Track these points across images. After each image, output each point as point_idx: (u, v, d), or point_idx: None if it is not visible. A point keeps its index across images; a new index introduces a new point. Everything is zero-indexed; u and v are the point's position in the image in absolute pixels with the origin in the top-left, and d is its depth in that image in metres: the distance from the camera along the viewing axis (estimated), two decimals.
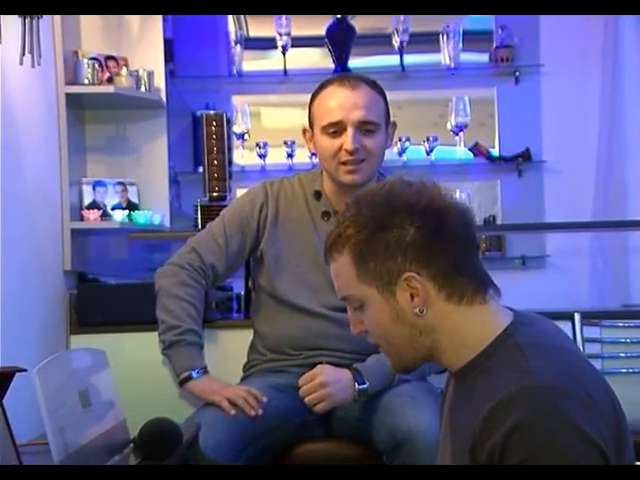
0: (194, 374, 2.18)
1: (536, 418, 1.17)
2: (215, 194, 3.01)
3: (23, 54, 2.16)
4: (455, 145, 3.94)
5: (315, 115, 2.25)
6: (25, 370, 1.42)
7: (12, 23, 2.20)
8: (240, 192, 2.52)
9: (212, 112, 3.15)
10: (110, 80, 3.04)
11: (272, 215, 2.31)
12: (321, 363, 2.23)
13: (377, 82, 2.28)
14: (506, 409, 1.19)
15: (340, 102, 2.20)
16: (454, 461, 1.31)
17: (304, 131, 2.31)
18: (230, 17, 3.98)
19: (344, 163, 2.21)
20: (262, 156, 3.89)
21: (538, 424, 1.17)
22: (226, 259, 2.30)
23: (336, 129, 2.20)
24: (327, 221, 2.29)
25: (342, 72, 2.31)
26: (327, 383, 2.12)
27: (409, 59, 3.93)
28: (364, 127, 2.20)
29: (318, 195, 2.31)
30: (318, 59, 4.00)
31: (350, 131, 2.18)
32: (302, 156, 3.83)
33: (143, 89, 3.06)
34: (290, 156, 3.87)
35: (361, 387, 2.14)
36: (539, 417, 1.17)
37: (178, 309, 2.23)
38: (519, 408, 1.18)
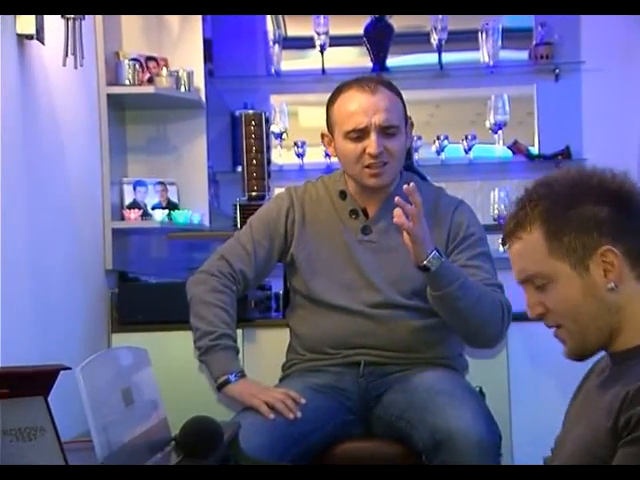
0: (232, 378, 2.19)
1: None
2: (254, 193, 3.02)
3: (66, 55, 2.19)
4: (494, 143, 3.90)
5: (336, 120, 2.25)
6: (69, 368, 1.43)
7: (55, 25, 2.23)
8: (278, 191, 2.54)
9: (251, 112, 3.17)
10: (150, 80, 3.06)
11: (299, 218, 2.32)
12: (360, 362, 2.23)
13: (393, 84, 2.29)
14: None
15: (362, 107, 2.20)
16: (588, 429, 1.31)
17: (323, 136, 2.32)
18: (268, 17, 3.99)
19: (368, 167, 2.21)
20: (300, 155, 3.89)
21: None
22: (255, 265, 2.31)
23: (359, 134, 2.21)
24: (355, 219, 2.30)
25: (363, 74, 2.31)
26: (421, 228, 2.02)
27: (447, 57, 3.90)
28: (386, 131, 2.21)
29: (343, 195, 2.32)
30: (356, 58, 3.99)
31: (373, 136, 2.19)
32: None
33: (183, 89, 3.09)
34: (328, 155, 3.87)
35: (435, 255, 2.05)
36: None
37: (211, 315, 2.24)
38: None
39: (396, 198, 2.05)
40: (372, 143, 2.19)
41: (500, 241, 1.44)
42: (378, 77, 2.31)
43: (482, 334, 2.19)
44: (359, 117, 2.20)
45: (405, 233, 2.04)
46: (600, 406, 1.32)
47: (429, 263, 2.06)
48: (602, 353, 1.42)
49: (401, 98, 2.27)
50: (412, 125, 2.32)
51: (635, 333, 1.33)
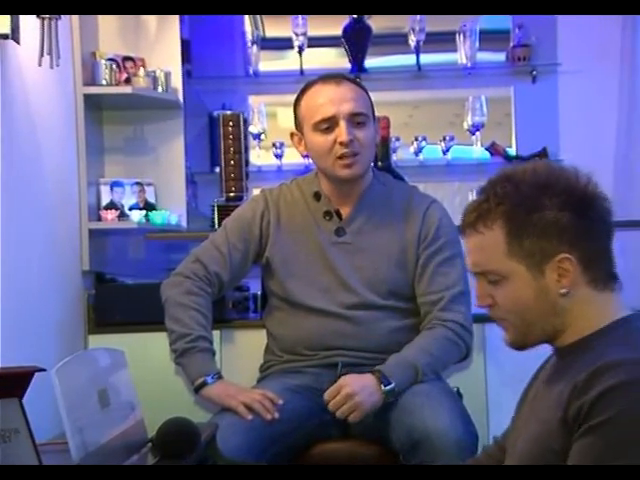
0: (209, 380, 2.18)
1: (634, 386, 1.20)
2: (232, 194, 3.01)
3: (42, 55, 2.18)
4: (472, 145, 3.92)
5: (304, 115, 2.26)
6: (44, 370, 1.42)
7: (31, 24, 2.21)
8: (257, 192, 2.54)
9: (229, 112, 3.16)
10: (128, 81, 3.05)
11: (274, 221, 2.32)
12: (337, 363, 2.23)
13: (359, 81, 2.32)
14: (607, 372, 1.22)
15: (329, 97, 2.22)
16: (539, 424, 1.32)
17: (292, 135, 2.32)
18: (246, 17, 3.98)
19: (340, 157, 2.22)
20: (279, 156, 3.89)
21: (634, 392, 1.19)
22: (230, 267, 2.31)
23: (328, 125, 2.21)
24: (329, 220, 2.30)
25: (325, 73, 2.33)
26: (354, 393, 2.09)
27: (425, 58, 3.91)
28: (355, 119, 2.22)
29: (317, 196, 2.32)
30: (334, 59, 3.99)
31: (343, 124, 2.20)
32: None
33: (160, 90, 3.08)
34: (307, 156, 3.87)
35: (387, 388, 2.12)
36: (637, 386, 1.19)
37: (187, 318, 2.23)
38: (619, 373, 1.21)
39: (325, 398, 2.11)
40: (342, 131, 2.20)
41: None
42: (343, 74, 2.33)
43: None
44: (326, 107, 2.21)
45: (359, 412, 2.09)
46: (549, 401, 1.33)
47: (389, 396, 2.12)
48: (548, 348, 1.43)
49: (367, 94, 2.29)
50: (387, 121, 2.33)
51: (577, 330, 1.35)
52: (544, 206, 1.33)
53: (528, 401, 1.45)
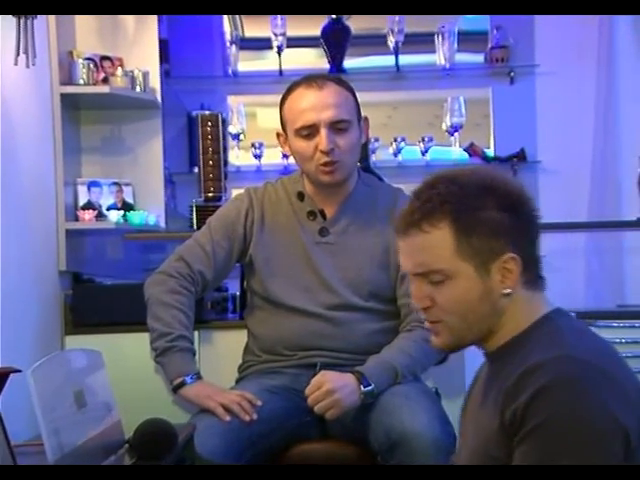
0: (188, 380, 2.18)
1: (562, 385, 1.21)
2: (210, 194, 3.01)
3: (18, 54, 2.16)
4: (450, 145, 3.93)
5: (287, 119, 2.26)
6: (20, 371, 1.42)
7: (6, 23, 2.20)
8: (236, 192, 2.53)
9: (207, 112, 3.15)
10: (105, 80, 3.03)
11: (258, 220, 2.32)
12: (316, 364, 2.23)
13: (343, 79, 2.31)
14: (535, 372, 1.23)
15: (311, 104, 2.21)
16: (480, 432, 1.33)
17: (278, 135, 2.32)
18: (225, 17, 3.97)
19: (322, 165, 2.21)
20: (258, 156, 3.89)
21: (563, 391, 1.20)
22: (214, 266, 2.30)
23: (310, 131, 2.21)
24: (313, 220, 2.30)
25: (310, 73, 2.32)
26: (335, 389, 2.09)
27: (404, 59, 3.92)
28: (337, 126, 2.21)
29: (301, 196, 2.32)
30: (313, 59, 3.99)
31: (323, 132, 2.19)
32: None
33: (138, 89, 3.06)
34: (286, 156, 3.87)
35: (367, 389, 2.12)
36: (565, 384, 1.21)
37: (168, 316, 2.22)
38: (548, 373, 1.22)
39: (306, 392, 2.11)
40: (322, 139, 2.19)
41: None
42: (328, 74, 2.32)
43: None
44: (308, 114, 2.21)
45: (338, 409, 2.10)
46: (486, 409, 1.34)
47: (368, 397, 2.12)
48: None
49: (352, 93, 2.27)
50: (367, 121, 2.32)
51: (507, 331, 1.36)
52: (488, 206, 1.33)
53: (468, 410, 1.45)
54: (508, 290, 1.34)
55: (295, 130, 2.23)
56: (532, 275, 1.37)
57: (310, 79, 2.26)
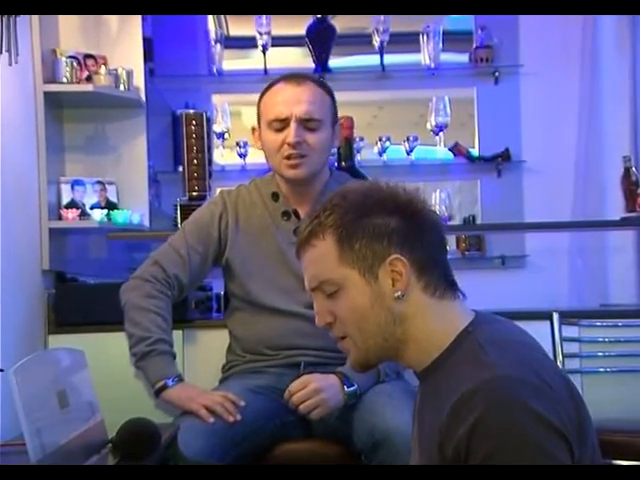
0: (169, 382, 2.17)
1: (495, 409, 1.20)
2: (195, 193, 3.00)
3: (0, 52, 2.15)
4: (435, 145, 3.94)
5: (262, 111, 2.28)
6: (2, 370, 1.41)
7: None
8: (212, 198, 2.54)
9: (192, 111, 3.14)
10: (89, 79, 3.02)
11: (233, 222, 2.32)
12: (300, 363, 2.23)
13: (324, 81, 2.33)
14: (467, 404, 1.21)
15: (285, 97, 2.23)
16: (422, 460, 1.33)
17: (253, 130, 2.34)
18: (210, 16, 3.97)
19: (287, 158, 2.23)
20: (242, 155, 3.89)
21: (498, 415, 1.19)
22: (189, 269, 2.30)
23: (280, 125, 2.23)
24: (287, 220, 2.31)
25: (292, 72, 2.33)
26: (321, 389, 2.10)
27: (389, 59, 3.93)
28: (307, 124, 2.23)
29: (275, 196, 2.33)
30: (298, 58, 4.00)
31: (293, 125, 2.21)
32: None
33: (122, 88, 3.05)
34: None
35: (350, 390, 2.13)
36: (498, 408, 1.20)
37: (146, 321, 2.22)
38: (478, 402, 1.20)
39: (290, 390, 2.12)
40: (291, 133, 2.21)
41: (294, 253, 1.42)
42: (310, 74, 2.34)
43: None
44: (280, 107, 2.23)
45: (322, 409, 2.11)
46: (424, 434, 1.33)
47: (351, 397, 2.13)
48: None
49: (331, 96, 2.29)
50: (342, 127, 2.35)
51: (425, 347, 1.33)
52: (373, 211, 1.33)
53: (414, 430, 1.43)
54: (399, 293, 1.32)
55: (267, 122, 2.24)
56: (433, 280, 1.34)
57: (291, 76, 2.28)
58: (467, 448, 1.20)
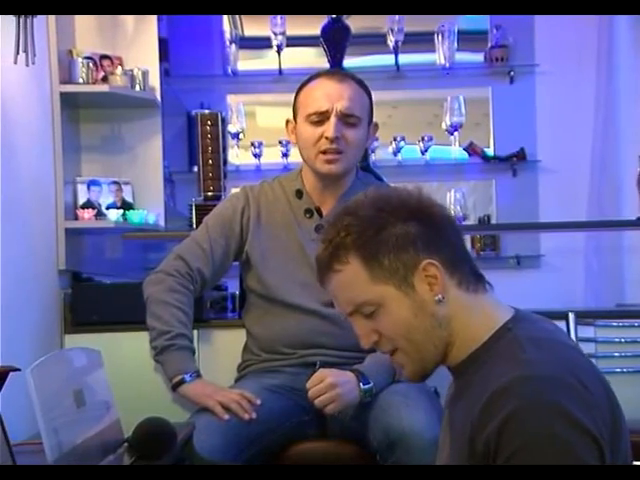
0: (187, 378, 2.18)
1: (528, 407, 1.19)
2: (210, 193, 3.00)
3: (17, 53, 2.16)
4: (450, 145, 3.94)
5: (300, 104, 2.28)
6: (19, 369, 1.41)
7: (6, 22, 2.20)
8: (235, 191, 2.54)
9: (207, 111, 3.15)
10: (105, 79, 3.03)
11: (254, 217, 2.32)
12: (315, 363, 2.23)
13: (364, 82, 2.32)
14: (500, 399, 1.21)
15: (327, 92, 2.23)
16: (453, 454, 1.33)
17: (287, 122, 2.34)
18: (225, 16, 3.98)
19: (323, 152, 2.22)
20: (257, 155, 3.89)
21: (530, 413, 1.19)
22: (212, 264, 2.30)
23: (320, 118, 2.23)
24: (310, 218, 2.31)
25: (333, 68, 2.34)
26: (337, 384, 2.10)
27: (404, 59, 3.93)
28: (347, 119, 2.23)
29: (299, 194, 2.33)
30: (313, 59, 3.99)
31: (333, 120, 2.21)
32: (297, 155, 3.82)
33: (138, 88, 3.06)
34: (285, 155, 3.87)
35: (366, 387, 2.13)
36: (531, 406, 1.19)
37: (167, 315, 2.23)
38: (512, 398, 1.20)
39: (307, 385, 2.12)
40: (330, 127, 2.21)
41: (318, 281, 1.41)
42: (351, 72, 2.35)
43: None
44: (321, 101, 2.23)
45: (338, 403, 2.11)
46: (455, 429, 1.32)
47: (367, 395, 2.13)
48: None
49: (369, 96, 2.29)
50: (376, 128, 2.34)
51: (466, 343, 1.33)
52: (388, 222, 1.31)
53: (444, 425, 1.42)
54: (439, 296, 1.31)
55: (306, 115, 2.24)
56: (464, 275, 1.34)
57: (333, 71, 2.33)
58: (497, 444, 1.20)
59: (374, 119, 2.32)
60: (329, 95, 2.23)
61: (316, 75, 2.29)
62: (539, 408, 1.19)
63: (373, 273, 1.31)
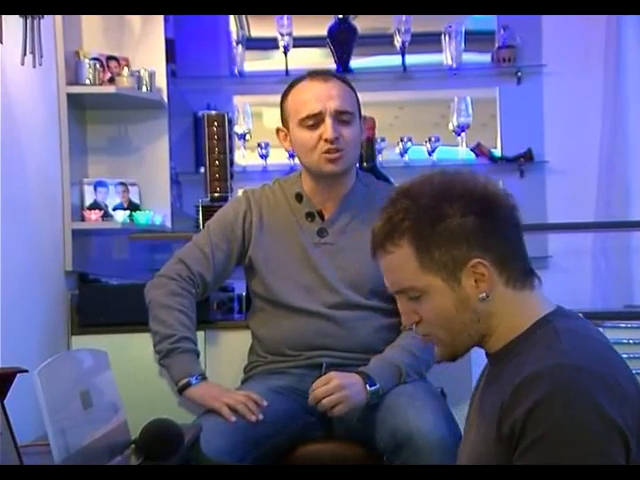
0: (193, 380, 2.18)
1: (558, 395, 1.20)
2: (216, 194, 3.00)
3: (24, 54, 2.16)
4: (457, 145, 3.93)
5: (290, 110, 2.26)
6: (26, 371, 1.41)
7: (13, 23, 2.20)
8: (236, 195, 2.55)
9: (213, 112, 3.15)
10: (111, 80, 3.03)
11: (256, 221, 2.32)
12: (321, 364, 2.23)
13: (347, 78, 2.33)
14: (532, 384, 1.22)
15: (315, 93, 2.23)
16: (476, 440, 1.33)
17: (278, 131, 2.33)
18: (231, 17, 3.97)
19: (326, 152, 2.22)
20: (264, 156, 3.89)
21: (559, 401, 1.19)
22: (214, 268, 2.31)
23: (314, 121, 2.22)
24: (312, 221, 2.31)
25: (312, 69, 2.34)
26: (343, 386, 2.10)
27: (411, 59, 3.92)
28: (341, 117, 2.23)
29: (299, 197, 2.33)
30: (320, 59, 3.99)
31: (329, 121, 2.21)
32: None
33: (144, 89, 3.06)
34: (292, 156, 3.86)
35: (372, 389, 2.13)
36: (561, 394, 1.20)
37: (171, 318, 2.23)
38: (543, 384, 1.21)
39: (313, 387, 2.12)
40: (328, 128, 2.20)
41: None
42: (330, 70, 2.35)
43: None
44: (313, 103, 2.22)
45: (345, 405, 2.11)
46: (484, 415, 1.33)
47: (373, 397, 2.12)
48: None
49: (354, 91, 2.29)
50: (365, 121, 2.34)
51: (505, 333, 1.34)
52: (446, 215, 1.31)
53: (472, 411, 1.44)
54: (484, 294, 1.32)
55: (299, 120, 2.23)
56: (514, 273, 1.34)
57: (314, 73, 2.28)
58: (522, 428, 1.20)
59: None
60: (319, 96, 2.22)
61: (298, 80, 2.28)
62: (570, 397, 1.19)
63: (423, 263, 1.33)
